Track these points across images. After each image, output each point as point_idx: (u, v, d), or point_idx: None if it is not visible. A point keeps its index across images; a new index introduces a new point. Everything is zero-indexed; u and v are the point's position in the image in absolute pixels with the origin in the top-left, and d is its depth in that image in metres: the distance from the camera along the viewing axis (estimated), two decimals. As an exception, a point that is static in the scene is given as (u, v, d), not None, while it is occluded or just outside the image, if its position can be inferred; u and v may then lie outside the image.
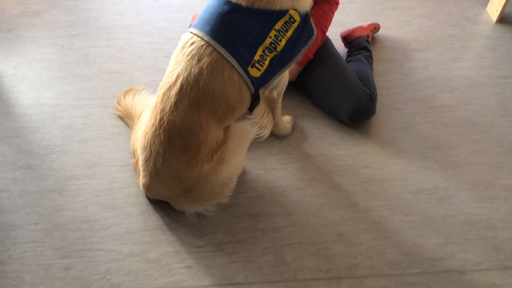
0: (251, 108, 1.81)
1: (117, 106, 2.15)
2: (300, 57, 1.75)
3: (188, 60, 1.62)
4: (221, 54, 1.59)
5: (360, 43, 2.42)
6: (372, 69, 2.34)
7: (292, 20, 1.63)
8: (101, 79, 2.32)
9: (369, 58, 2.38)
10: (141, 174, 1.79)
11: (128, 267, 1.70)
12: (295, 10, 1.63)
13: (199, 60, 1.60)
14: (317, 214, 1.89)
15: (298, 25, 1.65)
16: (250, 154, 2.05)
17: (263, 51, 1.63)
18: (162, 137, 1.66)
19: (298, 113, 2.23)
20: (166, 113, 1.64)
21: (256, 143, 2.03)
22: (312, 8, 1.91)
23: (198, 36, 1.61)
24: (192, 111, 1.62)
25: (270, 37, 1.62)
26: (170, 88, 1.64)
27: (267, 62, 1.65)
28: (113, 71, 2.36)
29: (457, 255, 1.78)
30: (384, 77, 2.40)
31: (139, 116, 2.01)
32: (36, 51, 2.43)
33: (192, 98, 1.61)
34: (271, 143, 2.11)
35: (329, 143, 2.12)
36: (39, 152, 2.02)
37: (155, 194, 1.81)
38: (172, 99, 1.63)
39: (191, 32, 1.65)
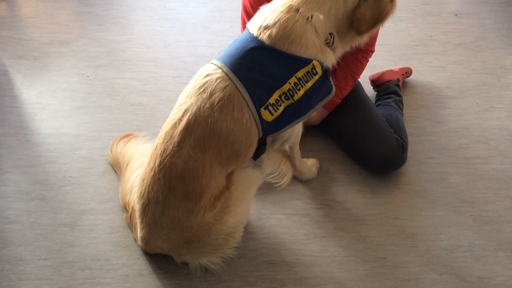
0: (255, 156, 1.69)
1: (109, 152, 2.04)
2: (315, 111, 1.68)
3: (199, 94, 1.54)
4: (236, 88, 1.51)
5: (390, 87, 2.34)
6: (402, 114, 2.24)
7: (314, 71, 1.56)
8: (123, 111, 2.27)
9: (400, 103, 2.29)
10: (138, 226, 1.66)
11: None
12: (319, 62, 1.57)
13: (211, 95, 1.52)
14: (342, 267, 1.76)
15: (319, 78, 1.58)
16: (272, 197, 1.95)
17: (280, 96, 1.55)
18: (162, 182, 1.54)
19: (324, 156, 2.13)
20: (167, 155, 1.53)
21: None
22: (347, 56, 1.86)
23: (217, 67, 1.55)
24: (196, 152, 1.51)
25: (290, 83, 1.55)
26: (174, 126, 1.55)
27: (281, 108, 1.57)
28: (136, 103, 2.32)
29: (495, 323, 1.63)
30: (415, 123, 2.30)
31: (127, 165, 1.90)
32: (61, 80, 2.41)
33: (198, 137, 1.51)
34: (295, 186, 2.01)
35: (356, 190, 2.01)
36: (55, 184, 1.96)
37: (154, 248, 1.66)
38: (175, 139, 1.53)
39: (211, 63, 1.59)
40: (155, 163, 1.56)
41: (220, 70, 1.54)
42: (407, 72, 2.48)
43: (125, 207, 1.83)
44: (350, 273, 1.74)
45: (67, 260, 1.72)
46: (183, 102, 1.57)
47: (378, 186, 2.03)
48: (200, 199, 1.55)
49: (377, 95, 2.38)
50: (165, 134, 1.56)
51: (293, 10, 1.52)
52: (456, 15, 2.97)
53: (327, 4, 1.53)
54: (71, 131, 2.17)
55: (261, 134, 1.59)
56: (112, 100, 2.33)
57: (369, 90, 2.38)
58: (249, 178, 1.72)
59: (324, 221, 1.90)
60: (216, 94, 1.51)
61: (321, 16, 1.53)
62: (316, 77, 1.57)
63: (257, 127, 1.57)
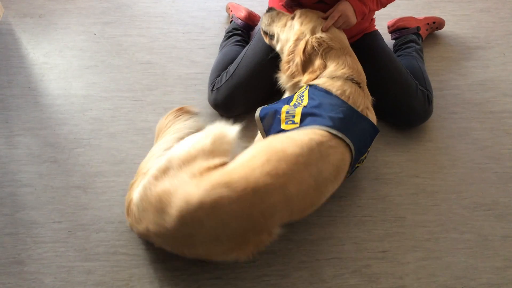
0: None
1: (159, 122, 1.87)
2: None
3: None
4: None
5: (408, 36, 2.20)
6: (424, 64, 2.12)
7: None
8: (132, 70, 2.20)
9: (420, 52, 2.16)
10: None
11: (152, 274, 1.59)
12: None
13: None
14: (360, 227, 1.72)
15: None
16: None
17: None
18: None
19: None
20: None
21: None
22: None
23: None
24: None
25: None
26: None
27: None
28: (145, 61, 2.24)
29: (517, 282, 1.59)
30: (438, 77, 2.18)
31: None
32: (68, 39, 2.33)
33: None
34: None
35: (374, 148, 1.93)
36: (66, 146, 1.92)
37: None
38: None
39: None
40: None
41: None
42: (435, 22, 2.31)
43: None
44: (368, 233, 1.70)
45: (81, 223, 1.71)
46: None
47: (398, 143, 1.95)
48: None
49: (395, 45, 2.24)
50: None
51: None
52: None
53: None
54: (80, 91, 2.12)
55: None
56: (120, 58, 2.25)
57: (389, 43, 2.25)
58: None
59: (341, 180, 1.85)
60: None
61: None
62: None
63: None
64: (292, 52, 1.73)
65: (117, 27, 2.39)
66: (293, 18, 1.81)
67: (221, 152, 1.50)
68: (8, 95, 2.08)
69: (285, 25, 1.82)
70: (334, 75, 1.64)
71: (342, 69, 1.65)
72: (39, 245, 1.65)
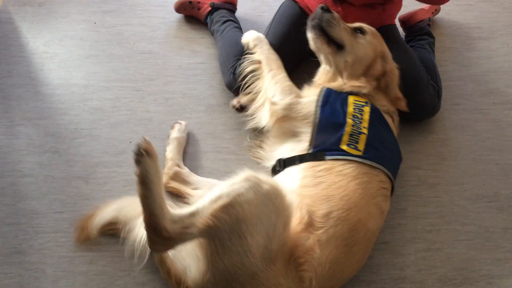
0: None
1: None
2: None
3: None
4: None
5: (423, 28, 2.18)
6: (435, 59, 2.10)
7: None
8: (133, 59, 2.19)
9: (433, 46, 2.16)
10: None
11: (154, 264, 1.58)
12: None
13: None
14: (361, 218, 1.72)
15: None
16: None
17: None
18: None
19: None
20: None
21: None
22: None
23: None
24: None
25: None
26: None
27: None
28: (146, 51, 2.22)
29: (518, 274, 1.60)
30: (441, 67, 2.17)
31: None
32: (68, 28, 2.32)
33: None
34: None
35: (376, 139, 1.93)
36: (67, 136, 1.92)
37: None
38: None
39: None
40: None
41: None
42: (437, 10, 2.31)
43: None
44: (370, 225, 1.70)
45: (83, 213, 1.70)
46: None
47: (400, 135, 1.90)
48: None
49: (407, 36, 2.22)
50: None
51: None
52: None
53: None
54: (81, 81, 2.10)
55: None
56: (121, 48, 2.24)
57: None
58: None
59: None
60: None
61: None
62: None
63: None
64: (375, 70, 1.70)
65: (118, 16, 2.37)
66: (360, 32, 1.73)
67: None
68: (8, 85, 2.07)
69: (352, 36, 1.73)
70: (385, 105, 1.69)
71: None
72: (40, 235, 1.65)
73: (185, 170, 1.77)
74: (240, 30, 2.15)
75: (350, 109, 1.57)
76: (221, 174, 1.81)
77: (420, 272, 1.60)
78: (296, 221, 1.35)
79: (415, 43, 2.14)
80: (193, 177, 1.75)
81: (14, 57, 2.17)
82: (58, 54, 2.20)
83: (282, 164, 1.59)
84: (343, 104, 1.58)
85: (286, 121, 1.66)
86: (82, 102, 2.03)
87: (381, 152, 1.54)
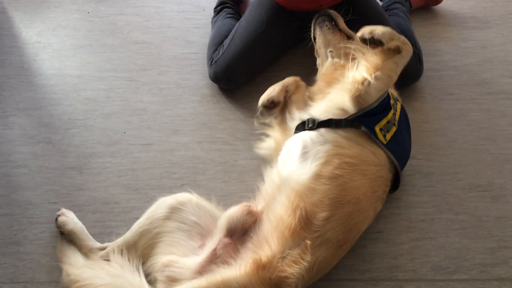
0: None
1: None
2: None
3: None
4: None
5: None
6: (412, 26, 2.14)
7: None
8: (126, 49, 2.17)
9: (407, 13, 2.19)
10: None
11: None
12: None
13: None
14: (355, 208, 1.72)
15: None
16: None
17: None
18: None
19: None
20: None
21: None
22: None
23: None
24: None
25: None
26: None
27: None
28: (140, 41, 2.21)
29: (510, 262, 1.61)
30: (435, 57, 2.17)
31: None
32: (61, 17, 2.30)
33: None
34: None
35: (371, 129, 1.93)
36: (60, 126, 1.91)
37: None
38: None
39: None
40: None
41: None
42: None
43: None
44: (364, 214, 1.71)
45: (77, 204, 1.71)
46: None
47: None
48: None
49: (382, 6, 2.24)
50: None
51: None
52: None
53: None
54: (74, 71, 2.09)
55: None
56: (114, 38, 2.22)
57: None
58: None
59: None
60: None
61: None
62: None
63: None
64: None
65: (111, 6, 2.36)
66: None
67: None
68: (1, 75, 2.06)
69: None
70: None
71: None
72: (34, 226, 1.65)
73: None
74: (234, 16, 2.17)
75: (392, 101, 1.60)
76: (216, 164, 1.82)
77: (413, 261, 1.61)
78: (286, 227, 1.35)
79: (389, 12, 2.17)
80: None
81: (7, 47, 2.16)
82: (51, 44, 2.19)
83: (316, 124, 1.53)
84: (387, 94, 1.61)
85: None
86: (75, 93, 2.02)
87: (401, 149, 1.59)
